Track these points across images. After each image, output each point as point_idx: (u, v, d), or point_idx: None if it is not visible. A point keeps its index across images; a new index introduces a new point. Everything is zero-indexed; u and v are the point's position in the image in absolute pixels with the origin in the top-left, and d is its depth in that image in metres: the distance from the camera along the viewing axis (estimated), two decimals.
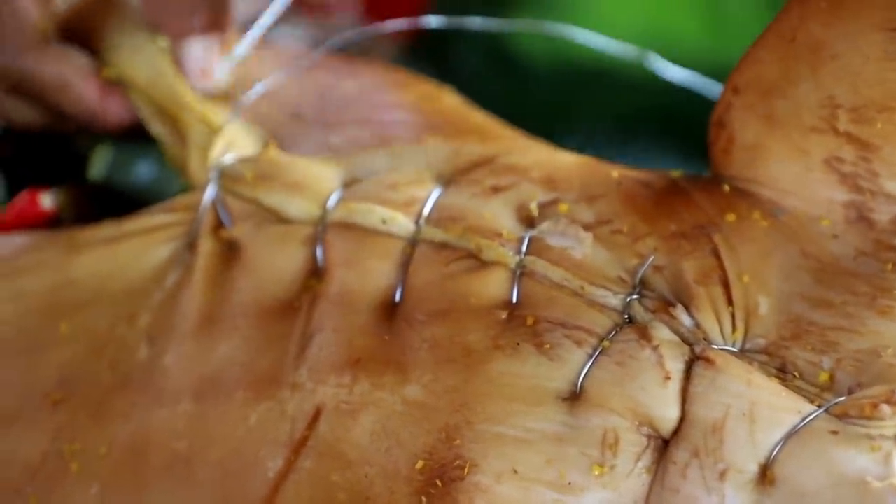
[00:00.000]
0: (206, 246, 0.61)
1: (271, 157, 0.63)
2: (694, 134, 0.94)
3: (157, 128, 0.66)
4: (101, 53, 0.67)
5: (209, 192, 0.62)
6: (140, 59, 0.67)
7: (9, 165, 0.74)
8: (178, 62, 0.67)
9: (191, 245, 0.62)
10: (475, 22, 0.70)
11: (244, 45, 0.68)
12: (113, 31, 0.67)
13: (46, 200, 0.69)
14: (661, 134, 1.06)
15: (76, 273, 0.62)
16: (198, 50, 0.67)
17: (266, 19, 0.68)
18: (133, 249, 0.62)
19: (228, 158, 0.63)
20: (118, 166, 0.73)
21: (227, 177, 0.63)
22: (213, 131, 0.64)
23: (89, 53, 0.68)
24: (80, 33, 0.68)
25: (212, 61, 0.67)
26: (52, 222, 0.70)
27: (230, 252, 0.61)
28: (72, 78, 0.66)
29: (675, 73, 0.92)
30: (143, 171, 0.72)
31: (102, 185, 0.73)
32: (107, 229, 0.63)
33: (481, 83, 1.10)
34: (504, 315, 0.56)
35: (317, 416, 0.56)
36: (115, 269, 0.62)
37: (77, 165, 0.76)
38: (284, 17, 0.69)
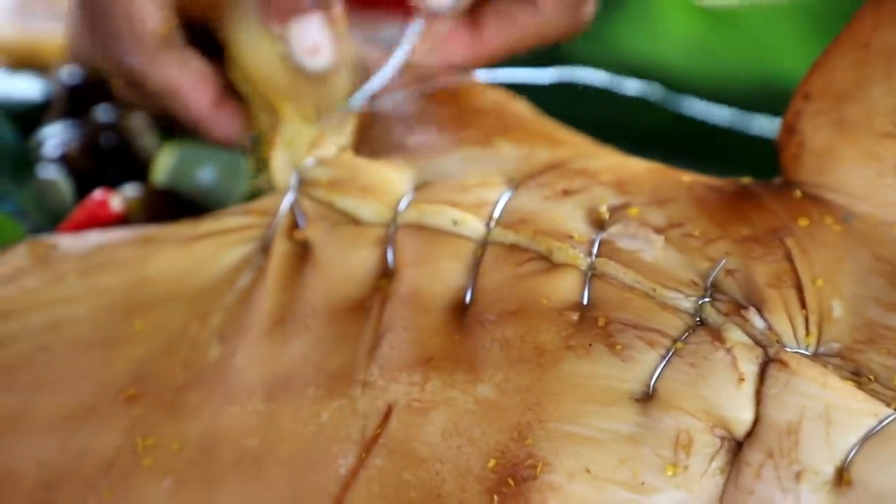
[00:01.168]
0: (280, 247, 0.61)
1: (347, 161, 0.63)
2: (704, 156, 0.94)
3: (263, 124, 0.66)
4: (224, 48, 0.67)
5: (289, 197, 0.62)
6: (257, 49, 0.66)
7: (76, 168, 0.75)
8: (288, 45, 0.65)
9: (265, 247, 0.62)
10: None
11: (360, 97, 0.67)
12: (232, 20, 0.67)
13: (116, 202, 0.69)
14: (671, 154, 1.05)
15: (151, 272, 0.62)
16: (308, 27, 0.65)
17: (383, 74, 0.68)
18: (208, 250, 0.62)
19: (309, 163, 0.63)
20: (181, 170, 0.73)
21: (304, 181, 0.63)
22: (302, 132, 0.64)
23: (213, 51, 0.68)
24: (201, 27, 0.68)
25: (323, 38, 0.65)
26: (120, 223, 0.70)
27: (302, 253, 0.61)
28: (183, 86, 0.65)
29: (684, 105, 0.92)
30: (205, 175, 0.73)
31: (166, 188, 0.73)
32: (182, 229, 0.63)
33: None
34: (575, 316, 0.55)
35: (388, 413, 0.56)
36: (189, 269, 0.62)
37: (140, 167, 0.76)
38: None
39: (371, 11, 1.21)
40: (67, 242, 0.64)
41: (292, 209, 0.62)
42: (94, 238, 0.64)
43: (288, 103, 0.65)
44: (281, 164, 0.64)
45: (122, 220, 0.70)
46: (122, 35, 0.65)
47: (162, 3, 0.66)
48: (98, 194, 0.70)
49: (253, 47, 0.65)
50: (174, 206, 0.71)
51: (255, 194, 0.68)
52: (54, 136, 0.76)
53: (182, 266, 0.62)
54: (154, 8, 0.65)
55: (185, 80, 0.65)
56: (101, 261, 0.63)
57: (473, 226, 0.59)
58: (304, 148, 0.64)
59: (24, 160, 0.77)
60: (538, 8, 0.68)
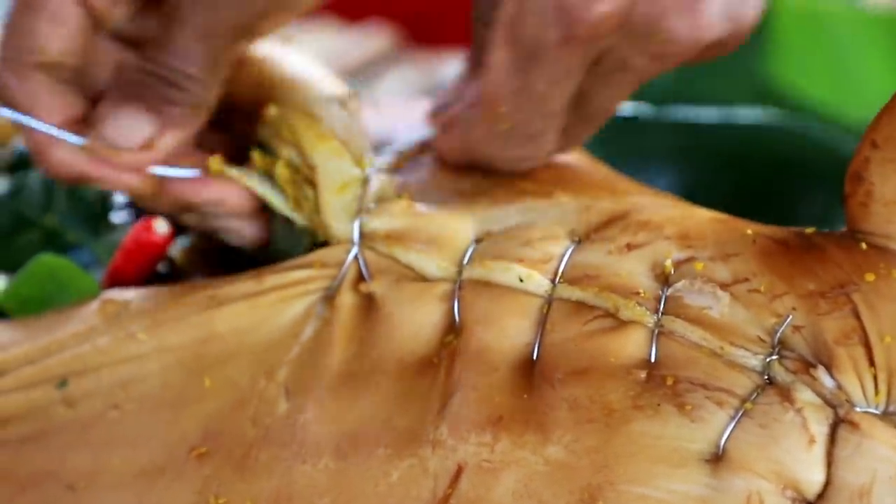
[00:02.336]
0: (345, 300, 0.61)
1: (407, 211, 0.63)
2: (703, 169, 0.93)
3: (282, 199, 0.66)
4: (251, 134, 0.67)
5: (353, 250, 0.62)
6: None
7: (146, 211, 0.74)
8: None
9: (328, 298, 0.62)
10: None
11: (383, 160, 0.67)
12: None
13: (160, 227, 0.69)
14: (671, 171, 1.04)
15: (218, 327, 0.62)
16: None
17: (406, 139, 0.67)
18: (272, 303, 0.62)
19: (368, 214, 0.63)
20: None
21: (365, 233, 0.63)
22: (354, 184, 0.64)
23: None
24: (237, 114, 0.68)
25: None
26: (164, 247, 0.70)
27: (368, 306, 0.61)
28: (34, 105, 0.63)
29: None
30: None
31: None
32: (246, 284, 0.63)
33: None
34: (643, 375, 0.55)
35: (458, 473, 0.56)
36: (254, 323, 0.62)
37: None
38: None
39: (430, 47, 1.22)
40: (138, 300, 0.64)
41: (356, 261, 0.62)
42: (164, 295, 0.64)
43: (337, 151, 0.65)
44: (335, 213, 0.64)
45: (166, 244, 0.70)
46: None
47: (71, 36, 0.63)
48: (144, 220, 0.70)
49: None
50: (231, 256, 0.71)
51: (312, 241, 0.68)
52: None
53: (248, 321, 0.62)
54: (58, 34, 0.62)
55: (39, 99, 0.62)
56: (170, 318, 0.63)
57: (539, 282, 0.58)
58: (358, 195, 0.64)
59: (101, 209, 0.78)
60: None
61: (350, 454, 0.58)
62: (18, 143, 0.81)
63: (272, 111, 0.66)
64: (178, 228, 0.70)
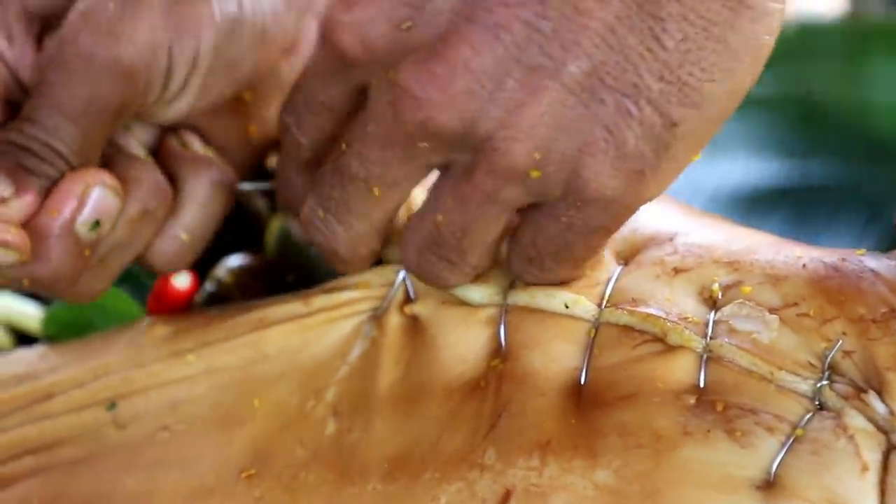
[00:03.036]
0: (392, 320, 0.61)
1: None
2: None
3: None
4: None
5: (402, 271, 0.62)
6: None
7: None
8: None
9: (376, 318, 0.61)
10: None
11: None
12: None
13: (181, 282, 0.68)
14: None
15: (267, 348, 0.62)
16: None
17: None
18: (320, 324, 0.62)
19: None
20: (291, 240, 0.73)
21: None
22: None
23: None
24: None
25: None
26: (186, 300, 0.69)
27: (414, 328, 0.60)
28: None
29: None
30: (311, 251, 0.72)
31: (275, 258, 0.72)
32: (294, 305, 0.63)
33: None
34: (692, 400, 0.54)
35: (507, 497, 0.55)
36: (303, 343, 0.62)
37: (255, 232, 0.76)
38: None
39: None
40: (186, 322, 0.64)
41: (403, 283, 0.62)
42: (211, 317, 0.64)
43: None
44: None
45: (191, 293, 0.69)
46: None
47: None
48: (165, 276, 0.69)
49: None
50: (282, 276, 0.70)
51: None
52: None
53: (296, 342, 0.62)
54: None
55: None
56: (219, 339, 0.63)
57: (586, 307, 0.58)
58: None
59: None
60: None
61: (398, 477, 0.57)
62: None
63: None
64: (203, 274, 0.70)
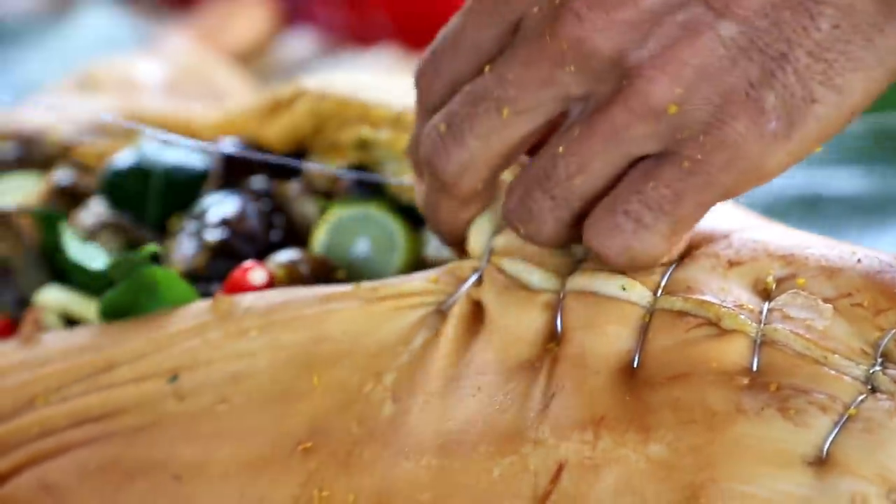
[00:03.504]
0: (456, 310, 0.62)
1: None
2: None
3: None
4: None
5: (480, 269, 0.63)
6: None
7: (237, 231, 0.75)
8: None
9: (441, 311, 0.62)
10: None
11: None
12: None
13: (257, 276, 0.69)
14: None
15: (330, 329, 0.63)
16: None
17: None
18: (386, 311, 0.63)
19: (501, 231, 0.63)
20: (336, 241, 0.74)
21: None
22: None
23: None
24: None
25: None
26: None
27: (475, 314, 0.61)
28: None
29: None
30: (360, 247, 0.73)
31: (321, 257, 0.74)
32: (362, 290, 0.64)
33: None
34: (746, 381, 0.55)
35: (559, 471, 0.56)
36: (367, 328, 0.63)
37: (300, 232, 0.77)
38: None
39: None
40: (250, 299, 0.65)
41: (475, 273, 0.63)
42: (277, 295, 0.65)
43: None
44: (481, 227, 0.64)
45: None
46: None
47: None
48: (245, 265, 0.70)
49: None
50: (327, 275, 0.72)
51: (408, 267, 0.69)
52: (215, 204, 0.77)
53: (361, 325, 0.63)
54: None
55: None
56: (283, 317, 0.64)
57: (641, 292, 0.59)
58: (496, 211, 0.64)
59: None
60: None
61: (453, 452, 0.59)
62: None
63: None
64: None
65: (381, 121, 0.71)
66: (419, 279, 0.63)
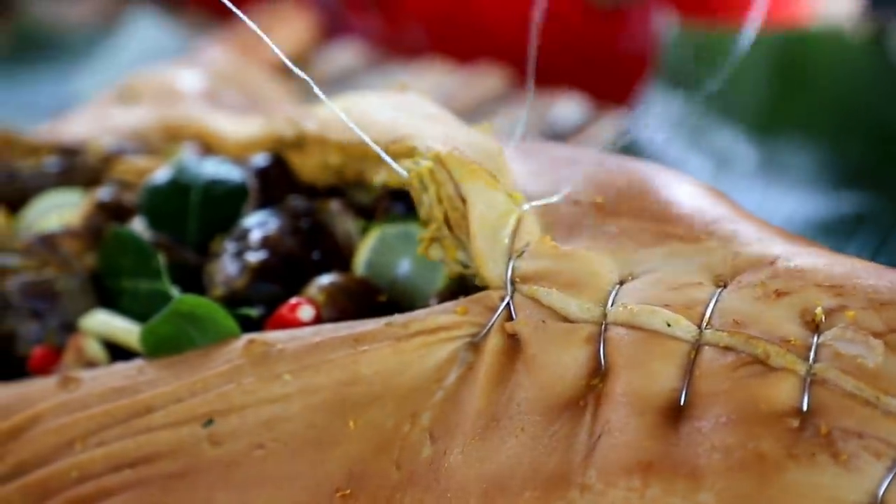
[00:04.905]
0: (490, 343, 0.59)
1: (551, 251, 0.60)
2: None
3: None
4: None
5: (506, 298, 0.60)
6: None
7: (279, 251, 0.73)
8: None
9: (474, 344, 0.60)
10: None
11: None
12: None
13: (305, 313, 0.67)
14: None
15: (362, 370, 0.60)
16: None
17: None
18: (416, 348, 0.60)
19: (519, 255, 0.61)
20: (379, 261, 0.71)
21: (513, 275, 0.61)
22: (507, 219, 0.62)
23: None
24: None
25: None
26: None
27: (512, 348, 0.59)
28: None
29: None
30: (403, 266, 0.71)
31: (363, 278, 0.71)
32: (391, 328, 0.61)
33: None
34: (796, 423, 0.52)
35: None
36: (398, 367, 0.60)
37: (341, 251, 0.74)
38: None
39: (540, 88, 1.20)
40: (283, 341, 0.63)
41: (508, 303, 0.60)
42: (309, 336, 0.62)
43: (491, 184, 0.63)
44: (489, 252, 0.62)
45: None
46: None
47: None
48: (292, 302, 0.68)
49: None
50: (370, 296, 0.69)
51: (451, 286, 0.67)
52: (256, 224, 0.75)
53: (392, 365, 0.60)
54: None
55: None
56: (315, 360, 0.61)
57: (687, 327, 0.56)
58: (511, 234, 0.62)
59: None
60: None
61: (497, 497, 0.56)
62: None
63: (423, 160, 0.65)
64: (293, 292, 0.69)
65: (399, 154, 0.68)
66: (447, 312, 0.60)
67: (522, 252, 0.61)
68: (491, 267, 0.61)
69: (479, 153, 0.65)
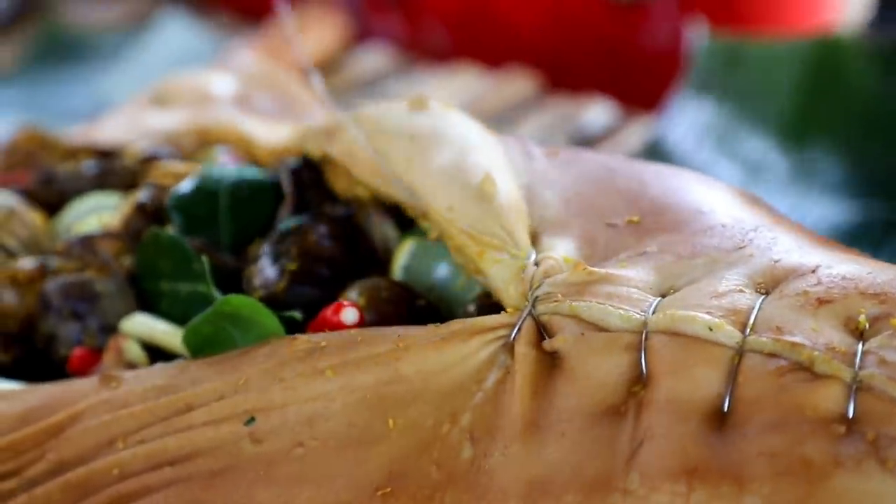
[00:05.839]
0: (526, 353, 0.58)
1: (584, 275, 0.60)
2: None
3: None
4: None
5: (521, 319, 0.60)
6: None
7: (318, 257, 0.73)
8: None
9: (508, 347, 0.59)
10: None
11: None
12: None
13: (349, 316, 0.67)
14: None
15: (403, 369, 0.60)
16: None
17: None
18: (457, 349, 0.59)
19: (543, 285, 0.60)
20: (417, 266, 0.71)
21: (542, 300, 0.60)
22: (521, 271, 0.62)
23: None
24: None
25: None
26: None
27: (551, 362, 0.58)
28: None
29: None
30: (440, 272, 0.70)
31: (401, 283, 0.71)
32: (433, 329, 0.61)
33: None
34: (842, 429, 0.51)
35: None
36: (439, 367, 0.60)
37: (380, 256, 0.74)
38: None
39: (570, 93, 1.20)
40: (327, 339, 0.62)
41: (535, 320, 0.60)
42: (351, 335, 0.62)
43: (496, 259, 0.64)
44: (508, 296, 0.62)
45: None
46: None
47: None
48: (336, 304, 0.67)
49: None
50: (409, 301, 0.69)
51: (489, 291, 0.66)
52: (293, 228, 0.75)
53: (433, 365, 0.60)
54: None
55: None
56: (357, 357, 0.61)
57: (730, 333, 0.56)
58: (527, 277, 0.62)
59: None
60: None
61: (538, 500, 0.55)
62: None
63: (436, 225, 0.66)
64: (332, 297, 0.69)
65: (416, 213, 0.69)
66: (484, 319, 0.60)
67: (548, 283, 0.60)
68: (509, 297, 0.61)
69: (485, 211, 0.65)
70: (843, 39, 1.09)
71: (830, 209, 0.99)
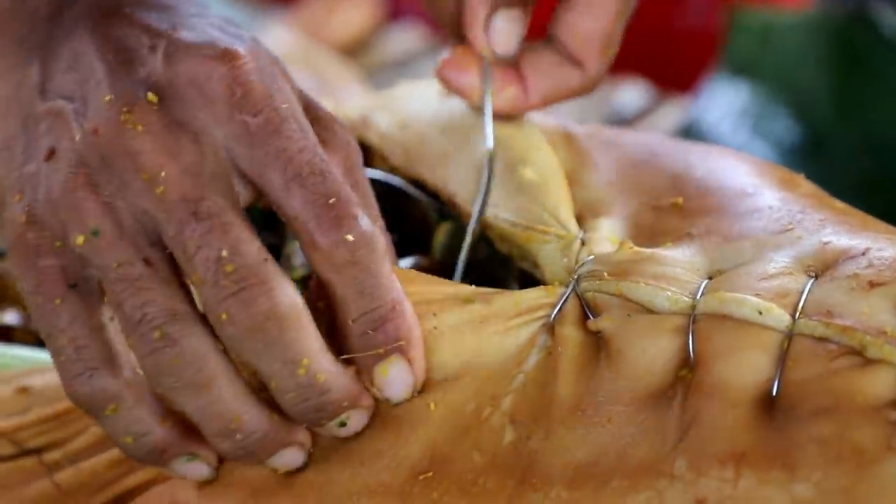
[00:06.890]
0: (569, 334, 0.57)
1: (630, 252, 0.59)
2: None
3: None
4: None
5: (564, 297, 0.58)
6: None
7: None
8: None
9: (549, 328, 0.58)
10: None
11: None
12: None
13: None
14: None
15: (444, 353, 0.59)
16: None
17: None
18: (497, 330, 0.58)
19: (587, 263, 0.59)
20: (459, 244, 0.70)
21: (587, 278, 0.59)
22: (570, 240, 0.61)
23: None
24: None
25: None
26: None
27: (596, 343, 0.57)
28: None
29: None
30: (482, 250, 0.69)
31: (442, 262, 0.70)
32: (475, 309, 0.60)
33: None
34: (894, 415, 0.51)
35: None
36: (479, 349, 0.58)
37: (421, 234, 0.73)
38: None
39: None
40: None
41: (579, 298, 0.59)
42: None
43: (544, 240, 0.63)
44: (554, 276, 0.61)
45: None
46: None
47: None
48: None
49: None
50: (446, 271, 0.68)
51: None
52: None
53: (473, 346, 0.59)
54: None
55: None
56: None
57: (779, 316, 0.54)
58: (574, 257, 0.61)
59: None
60: (584, 67, 0.65)
61: (584, 485, 0.54)
62: None
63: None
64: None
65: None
66: (532, 291, 0.59)
67: (592, 261, 0.60)
68: (555, 271, 0.61)
69: (529, 199, 0.64)
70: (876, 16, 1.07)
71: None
